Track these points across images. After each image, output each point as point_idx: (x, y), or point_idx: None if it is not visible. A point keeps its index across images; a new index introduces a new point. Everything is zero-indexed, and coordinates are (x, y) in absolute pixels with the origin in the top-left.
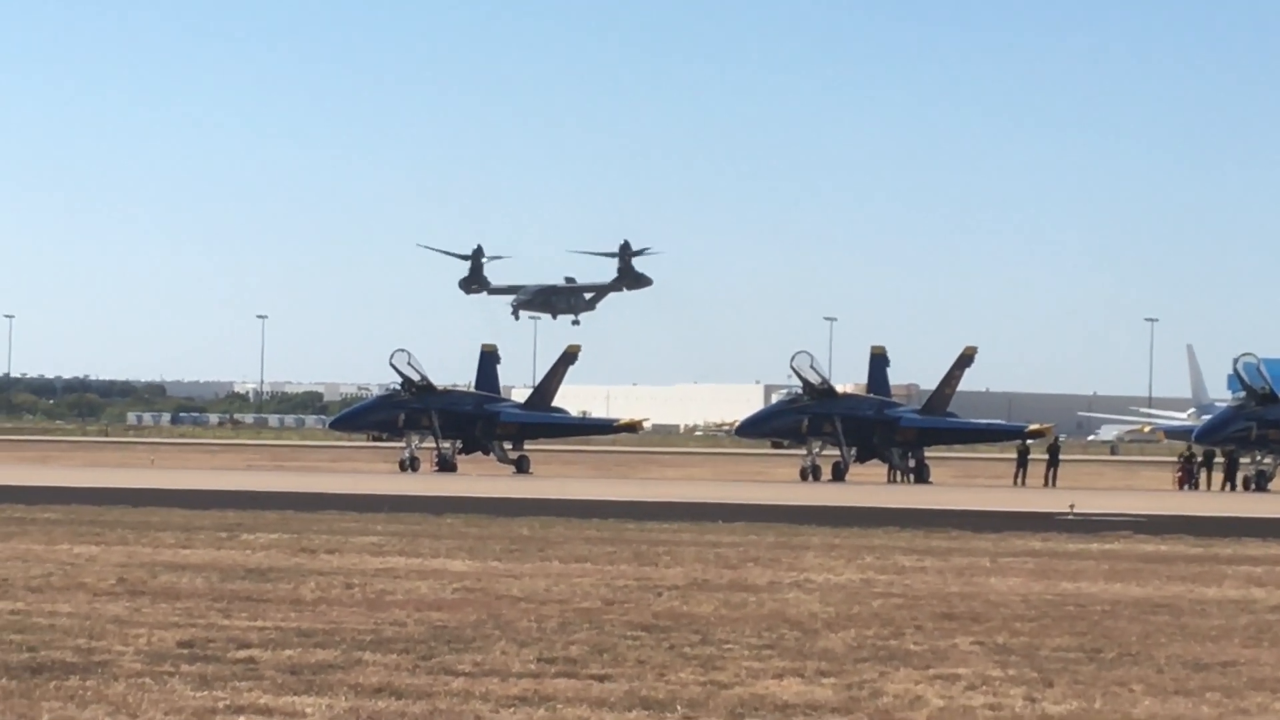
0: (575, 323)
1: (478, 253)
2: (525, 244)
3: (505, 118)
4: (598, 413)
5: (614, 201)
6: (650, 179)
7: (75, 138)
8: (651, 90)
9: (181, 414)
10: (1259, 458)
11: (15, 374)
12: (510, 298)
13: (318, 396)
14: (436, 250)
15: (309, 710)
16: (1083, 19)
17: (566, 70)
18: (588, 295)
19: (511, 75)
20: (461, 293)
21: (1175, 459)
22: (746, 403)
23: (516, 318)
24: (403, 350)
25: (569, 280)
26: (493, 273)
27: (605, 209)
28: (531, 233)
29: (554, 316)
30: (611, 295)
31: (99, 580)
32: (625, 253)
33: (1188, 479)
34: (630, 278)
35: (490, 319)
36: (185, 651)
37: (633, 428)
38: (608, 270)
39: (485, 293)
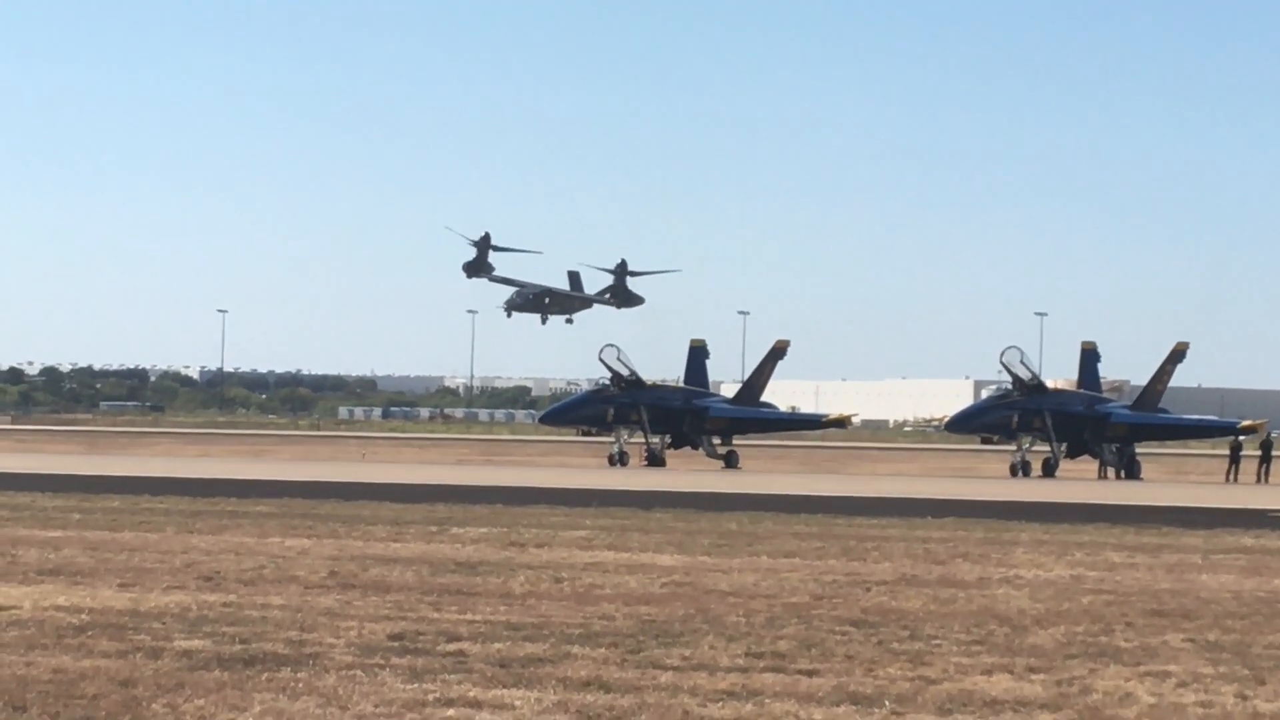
0: (569, 321)
1: (485, 240)
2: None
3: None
4: (806, 408)
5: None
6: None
7: (289, 140)
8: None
9: (392, 409)
10: None
11: (229, 368)
12: (510, 291)
13: (526, 391)
14: (456, 233)
15: (518, 703)
16: None
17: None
18: (580, 303)
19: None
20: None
21: None
22: (956, 398)
23: (509, 316)
24: (612, 345)
25: (572, 275)
26: (501, 265)
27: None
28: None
29: (543, 320)
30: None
31: (310, 573)
32: (621, 271)
33: None
34: (622, 296)
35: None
36: (395, 644)
37: (841, 423)
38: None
39: (487, 279)
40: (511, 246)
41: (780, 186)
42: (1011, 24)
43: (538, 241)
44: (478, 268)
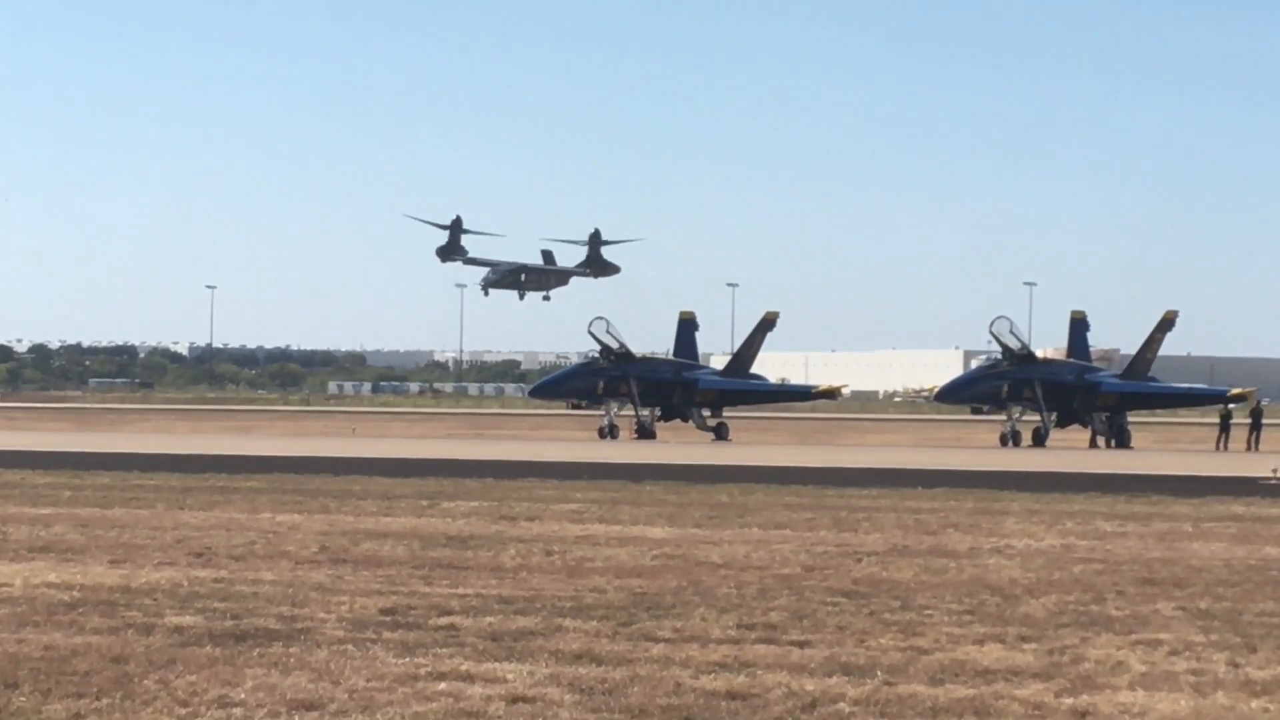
0: (546, 298)
1: (456, 223)
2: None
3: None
4: (796, 379)
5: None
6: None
7: (275, 119)
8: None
9: (382, 383)
10: None
11: (218, 344)
12: (484, 271)
13: (516, 365)
14: (420, 220)
15: (510, 676)
16: None
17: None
18: (556, 278)
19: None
20: (439, 260)
21: None
22: (946, 368)
23: (486, 294)
24: (601, 318)
25: (546, 255)
26: (474, 246)
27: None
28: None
29: (521, 296)
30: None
31: (301, 548)
32: (595, 241)
33: None
34: (598, 265)
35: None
36: (387, 619)
37: (831, 394)
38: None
39: (461, 262)
40: (484, 230)
41: (769, 157)
42: None
43: (515, 220)
44: (451, 251)
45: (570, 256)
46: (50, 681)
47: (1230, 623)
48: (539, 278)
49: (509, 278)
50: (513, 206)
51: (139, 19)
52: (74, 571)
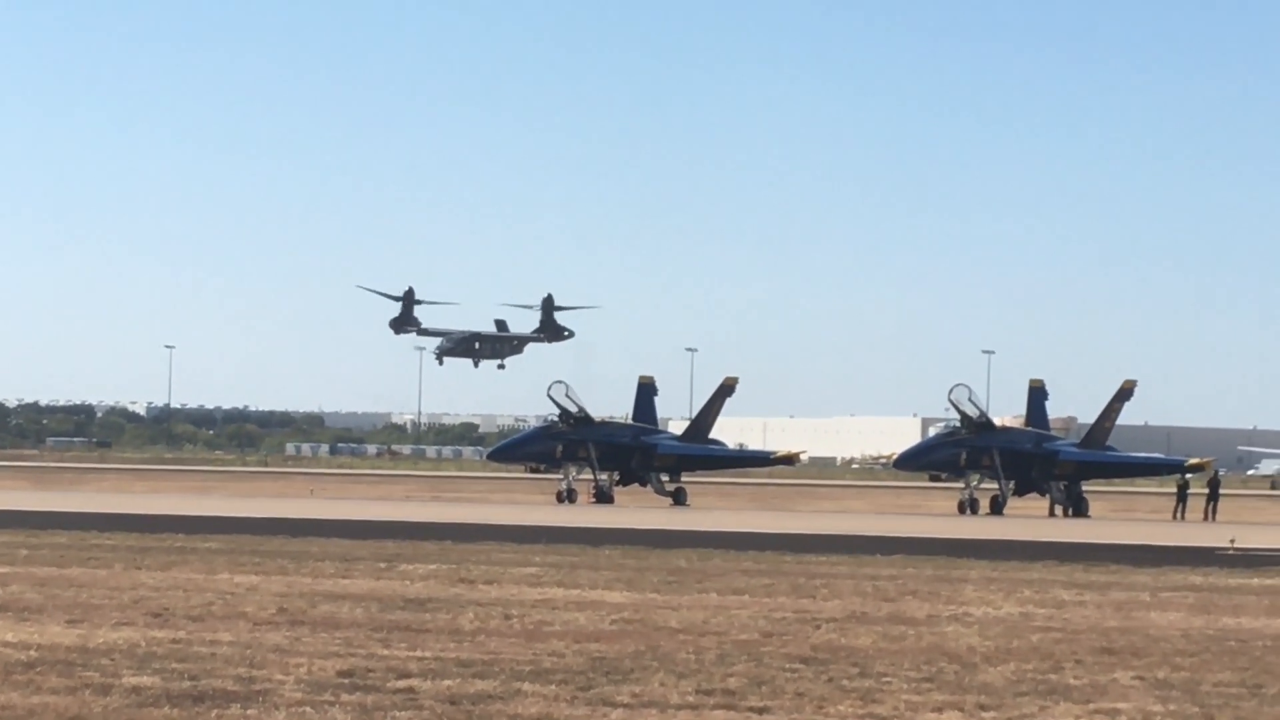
0: (501, 366)
1: (409, 295)
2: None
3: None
4: (754, 445)
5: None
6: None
7: (234, 176)
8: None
9: (340, 445)
10: None
11: (175, 405)
12: (437, 341)
13: (474, 428)
14: (372, 291)
15: None
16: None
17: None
18: (512, 344)
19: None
20: (392, 332)
21: None
22: (904, 435)
23: (441, 363)
24: (560, 382)
25: (500, 324)
26: (428, 315)
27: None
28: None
29: (475, 364)
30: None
31: (259, 609)
32: (548, 306)
33: None
34: (551, 330)
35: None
36: (345, 681)
37: (790, 460)
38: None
39: (415, 333)
40: (438, 299)
41: (728, 222)
42: (955, 61)
43: (469, 286)
44: (404, 323)
45: (524, 322)
46: None
47: (1188, 693)
48: (493, 345)
49: (463, 345)
50: (467, 272)
51: (96, 77)
52: (31, 631)
